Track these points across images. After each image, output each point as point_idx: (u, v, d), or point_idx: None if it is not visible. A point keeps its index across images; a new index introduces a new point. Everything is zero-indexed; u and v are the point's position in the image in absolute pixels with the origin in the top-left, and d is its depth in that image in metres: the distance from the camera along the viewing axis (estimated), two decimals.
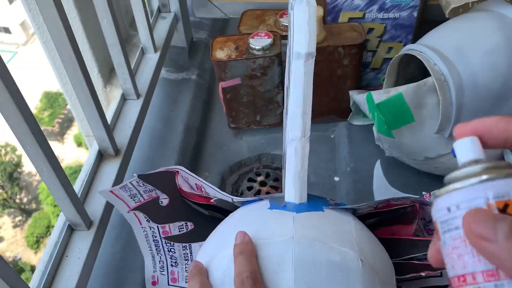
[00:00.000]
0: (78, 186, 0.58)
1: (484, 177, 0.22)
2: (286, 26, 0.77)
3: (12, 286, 0.41)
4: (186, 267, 0.54)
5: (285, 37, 0.75)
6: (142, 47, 0.79)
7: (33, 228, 9.93)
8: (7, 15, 12.35)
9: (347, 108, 0.76)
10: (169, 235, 0.51)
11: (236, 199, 0.45)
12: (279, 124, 0.79)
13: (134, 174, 0.46)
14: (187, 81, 0.88)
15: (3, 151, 10.65)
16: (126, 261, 0.62)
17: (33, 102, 11.61)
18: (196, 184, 0.48)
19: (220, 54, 0.70)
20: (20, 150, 9.65)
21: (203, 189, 0.48)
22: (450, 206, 0.23)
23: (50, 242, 0.53)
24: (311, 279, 0.36)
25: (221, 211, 0.49)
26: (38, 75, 11.24)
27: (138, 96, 0.72)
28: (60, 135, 11.84)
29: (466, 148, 0.25)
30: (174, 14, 0.89)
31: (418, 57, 0.60)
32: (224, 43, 0.72)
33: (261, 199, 0.44)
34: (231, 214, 0.45)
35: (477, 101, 0.58)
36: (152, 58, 0.79)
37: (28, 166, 10.86)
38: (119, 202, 0.48)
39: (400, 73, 0.69)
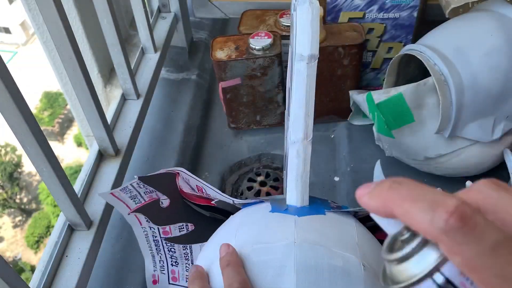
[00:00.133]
0: (78, 186, 0.58)
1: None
2: (286, 26, 0.77)
3: (12, 286, 0.41)
4: (186, 266, 0.54)
5: (285, 37, 0.75)
6: (142, 47, 0.79)
7: (33, 228, 9.92)
8: (7, 15, 12.34)
9: (347, 108, 0.76)
10: (169, 235, 0.51)
11: (237, 201, 0.45)
12: (279, 124, 0.79)
13: (135, 176, 0.46)
14: (187, 81, 0.88)
15: (3, 151, 10.65)
16: (126, 261, 0.62)
17: (33, 102, 11.61)
18: (197, 185, 0.48)
19: (220, 54, 0.70)
20: (20, 150, 9.65)
21: (203, 191, 0.48)
22: None
23: (50, 242, 0.53)
24: (313, 284, 0.35)
25: (222, 213, 0.49)
26: (38, 75, 11.24)
27: (138, 96, 0.72)
28: (60, 135, 11.84)
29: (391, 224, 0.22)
30: (174, 14, 0.89)
31: (418, 57, 0.60)
32: (224, 43, 0.72)
33: (262, 201, 0.44)
34: (232, 217, 0.45)
35: (477, 101, 0.58)
36: (152, 58, 0.79)
37: (28, 166, 10.86)
38: (120, 203, 0.48)
39: (400, 73, 0.69)
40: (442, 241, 0.18)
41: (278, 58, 0.69)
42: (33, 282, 0.50)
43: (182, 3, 0.90)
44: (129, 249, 0.63)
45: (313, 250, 0.37)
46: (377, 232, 0.45)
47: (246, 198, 0.46)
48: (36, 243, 9.83)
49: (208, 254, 0.43)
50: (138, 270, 0.60)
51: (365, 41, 0.73)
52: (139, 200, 0.48)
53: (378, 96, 0.62)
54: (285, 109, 0.77)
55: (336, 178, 0.72)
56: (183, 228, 0.51)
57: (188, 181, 0.49)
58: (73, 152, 11.32)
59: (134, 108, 0.70)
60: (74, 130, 11.71)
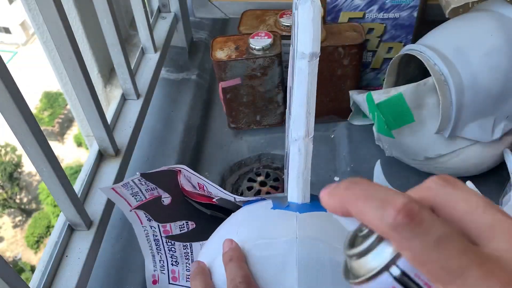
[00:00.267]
0: (78, 186, 0.58)
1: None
2: (286, 26, 0.77)
3: (12, 286, 0.41)
4: (187, 266, 0.54)
5: (285, 37, 0.75)
6: (142, 47, 0.79)
7: (33, 228, 9.93)
8: (7, 15, 12.34)
9: (347, 108, 0.76)
10: (170, 234, 0.51)
11: (239, 198, 0.45)
12: (279, 124, 0.79)
13: (137, 173, 0.46)
14: (187, 81, 0.88)
15: (3, 151, 10.65)
16: (126, 261, 0.62)
17: (33, 102, 11.61)
18: (198, 183, 0.48)
19: (220, 54, 0.70)
20: (20, 150, 9.66)
21: (205, 188, 0.48)
22: None
23: (50, 242, 0.53)
24: (315, 279, 0.36)
25: (223, 211, 0.49)
26: (38, 75, 11.24)
27: (138, 96, 0.72)
28: (60, 135, 11.84)
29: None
30: (174, 14, 0.89)
31: (418, 57, 0.60)
32: (224, 43, 0.72)
33: (264, 199, 0.44)
34: (233, 214, 0.45)
35: (477, 101, 0.58)
36: (152, 58, 0.79)
37: (28, 166, 10.86)
38: (121, 200, 0.48)
39: (400, 73, 0.69)
40: (392, 237, 0.19)
41: (278, 58, 0.69)
42: (33, 282, 0.50)
43: (182, 3, 0.90)
44: (129, 249, 0.63)
45: (314, 246, 0.37)
46: None
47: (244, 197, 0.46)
48: (36, 243, 9.83)
49: (210, 250, 0.43)
50: (138, 270, 0.60)
51: (365, 41, 0.73)
52: (140, 197, 0.48)
53: (378, 96, 0.62)
54: (285, 109, 0.77)
55: (336, 178, 0.72)
56: (184, 226, 0.51)
57: (189, 179, 0.49)
58: (73, 152, 11.32)
59: (134, 108, 0.70)
60: (74, 130, 11.71)
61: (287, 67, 0.78)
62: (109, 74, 0.85)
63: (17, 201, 10.93)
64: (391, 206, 0.19)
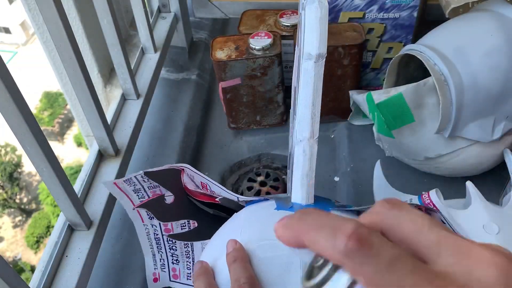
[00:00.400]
0: (78, 186, 0.58)
1: None
2: (286, 26, 0.77)
3: (12, 286, 0.41)
4: (187, 264, 0.54)
5: (285, 37, 0.75)
6: (142, 47, 0.79)
7: (33, 228, 9.93)
8: (7, 15, 12.34)
9: (347, 108, 0.76)
10: (171, 232, 0.51)
11: (242, 198, 0.45)
12: (279, 124, 0.79)
13: (140, 171, 0.46)
14: (187, 81, 0.88)
15: (3, 151, 10.65)
16: (126, 261, 0.62)
17: (33, 102, 11.62)
18: (201, 182, 0.48)
19: (220, 54, 0.70)
20: (20, 150, 9.66)
21: (208, 188, 0.48)
22: None
23: (50, 242, 0.53)
24: None
25: (226, 210, 0.49)
26: (38, 75, 11.24)
27: (138, 96, 0.72)
28: (60, 135, 11.84)
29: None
30: (174, 14, 0.89)
31: (418, 57, 0.60)
32: (224, 43, 0.72)
33: (267, 199, 0.44)
34: (236, 214, 0.45)
35: (477, 101, 0.58)
36: (152, 58, 0.79)
37: (28, 166, 10.86)
38: (123, 196, 0.48)
39: (400, 73, 0.69)
40: (345, 264, 0.20)
41: (278, 58, 0.69)
42: (33, 282, 0.50)
43: (182, 3, 0.90)
44: (129, 249, 0.63)
45: None
46: None
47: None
48: (36, 243, 9.83)
49: (213, 250, 0.43)
50: (138, 270, 0.60)
51: (365, 41, 0.73)
52: (143, 194, 0.48)
53: (378, 96, 0.62)
54: (285, 109, 0.77)
55: (336, 178, 0.72)
56: (185, 225, 0.51)
57: (192, 178, 0.49)
58: (73, 152, 11.32)
59: (134, 108, 0.70)
60: (74, 130, 11.71)
61: (287, 67, 0.78)
62: (109, 74, 0.85)
63: (17, 201, 10.93)
64: (341, 233, 0.20)
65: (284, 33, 0.76)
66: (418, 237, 0.21)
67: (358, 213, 0.44)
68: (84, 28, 0.75)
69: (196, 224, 0.51)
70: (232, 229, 0.43)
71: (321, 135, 0.78)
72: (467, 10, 0.67)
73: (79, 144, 11.26)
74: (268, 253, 0.38)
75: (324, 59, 0.36)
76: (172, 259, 0.53)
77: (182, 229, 0.51)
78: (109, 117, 0.66)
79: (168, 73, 0.90)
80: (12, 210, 10.78)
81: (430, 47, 0.59)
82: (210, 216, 0.51)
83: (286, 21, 0.77)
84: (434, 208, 0.52)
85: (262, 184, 0.73)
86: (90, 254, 0.53)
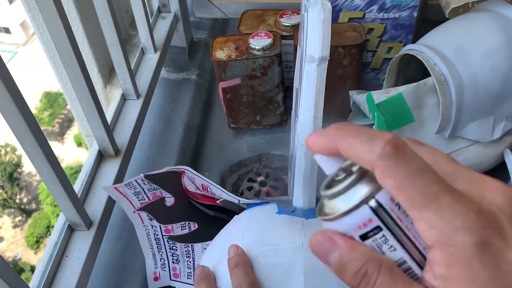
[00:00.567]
0: (78, 186, 0.58)
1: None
2: (286, 26, 0.77)
3: (12, 286, 0.41)
4: (187, 263, 0.54)
5: (285, 37, 0.75)
6: (142, 47, 0.79)
7: (33, 228, 9.93)
8: (7, 15, 12.34)
9: (347, 108, 0.76)
10: (171, 233, 0.51)
11: (243, 200, 0.45)
12: (279, 124, 0.79)
13: (141, 174, 0.46)
14: (187, 81, 0.88)
15: (3, 151, 10.65)
16: (126, 261, 0.62)
17: (33, 102, 11.62)
18: (202, 184, 0.48)
19: (220, 54, 0.70)
20: (20, 150, 9.66)
21: (209, 190, 0.47)
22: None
23: (50, 242, 0.53)
24: (321, 287, 0.35)
25: (226, 212, 0.49)
26: (38, 75, 11.24)
27: (138, 96, 0.72)
28: (60, 135, 11.85)
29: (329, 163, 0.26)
30: (174, 14, 0.89)
31: (418, 57, 0.60)
32: (224, 43, 0.72)
33: (268, 202, 0.44)
34: (237, 218, 0.45)
35: (477, 101, 0.58)
36: (152, 58, 0.79)
37: (28, 166, 10.87)
38: (123, 199, 0.48)
39: (400, 73, 0.69)
40: (379, 166, 0.22)
41: (278, 58, 0.69)
42: (33, 282, 0.50)
43: (182, 3, 0.90)
44: (129, 249, 0.63)
45: None
46: None
47: (246, 198, 0.46)
48: (36, 243, 9.83)
49: (213, 255, 0.42)
50: (138, 270, 0.60)
51: (365, 41, 0.73)
52: (143, 197, 0.48)
53: (378, 96, 0.62)
54: (285, 109, 0.77)
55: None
56: (186, 226, 0.51)
57: (193, 180, 0.48)
58: (73, 152, 11.32)
59: (134, 108, 0.70)
60: (74, 130, 11.72)
61: (287, 67, 0.79)
62: (109, 74, 0.85)
63: (17, 201, 10.93)
64: (379, 138, 0.22)
65: (284, 33, 0.76)
66: (436, 167, 0.22)
67: None
68: (84, 28, 0.75)
69: (196, 226, 0.51)
70: (233, 233, 0.43)
71: None
72: (467, 10, 0.67)
73: (79, 144, 11.27)
74: (270, 259, 0.37)
75: (327, 62, 0.36)
76: (173, 259, 0.53)
77: (182, 229, 0.51)
78: (109, 117, 0.66)
79: (168, 73, 0.90)
80: (12, 210, 10.78)
81: (430, 47, 0.59)
82: (210, 218, 0.51)
83: (286, 21, 0.77)
84: None
85: (262, 184, 0.73)
86: (90, 254, 0.53)
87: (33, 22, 0.75)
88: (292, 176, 0.43)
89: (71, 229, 0.54)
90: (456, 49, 0.58)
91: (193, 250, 0.53)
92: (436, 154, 0.24)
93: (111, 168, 0.61)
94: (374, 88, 0.80)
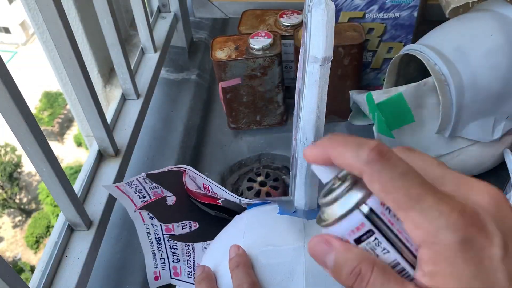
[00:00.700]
0: (78, 186, 0.58)
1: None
2: (286, 26, 0.77)
3: (12, 286, 0.41)
4: (188, 263, 0.54)
5: (285, 37, 0.75)
6: (142, 47, 0.79)
7: (32, 228, 9.93)
8: (7, 15, 12.34)
9: (347, 108, 0.76)
10: (172, 232, 0.51)
11: (244, 200, 0.45)
12: (279, 124, 0.79)
13: (142, 173, 0.46)
14: (187, 81, 0.88)
15: (2, 151, 10.65)
16: (126, 261, 0.62)
17: (33, 102, 11.62)
18: (203, 183, 0.48)
19: (220, 54, 0.70)
20: (20, 150, 9.65)
21: (210, 189, 0.47)
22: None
23: (50, 242, 0.53)
24: None
25: (227, 212, 0.49)
26: (38, 75, 11.24)
27: (138, 96, 0.72)
28: (60, 135, 11.84)
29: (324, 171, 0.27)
30: (174, 14, 0.89)
31: (418, 57, 0.60)
32: (224, 43, 0.72)
33: (269, 203, 0.44)
34: (238, 218, 0.45)
35: (477, 101, 0.58)
36: (152, 58, 0.79)
37: (27, 166, 10.86)
38: (124, 197, 0.48)
39: (400, 73, 0.69)
40: (365, 171, 0.23)
41: (278, 58, 0.69)
42: (33, 282, 0.50)
43: (182, 3, 0.90)
44: (129, 249, 0.63)
45: None
46: None
47: (246, 198, 0.46)
48: (35, 243, 9.83)
49: (214, 255, 0.42)
50: (138, 270, 0.60)
51: (365, 41, 0.73)
52: (144, 195, 0.48)
53: (378, 96, 0.62)
54: (285, 109, 0.77)
55: None
56: (186, 226, 0.51)
57: (194, 179, 0.48)
58: (73, 152, 11.32)
59: (134, 108, 0.70)
60: (74, 130, 11.72)
61: (287, 67, 0.78)
62: (109, 74, 0.85)
63: (17, 201, 10.93)
64: (366, 146, 0.23)
65: (284, 33, 0.76)
66: (427, 172, 0.24)
67: None
68: (84, 28, 0.75)
69: (197, 225, 0.51)
70: (235, 234, 0.43)
71: None
72: (467, 10, 0.67)
73: (79, 144, 11.26)
74: (271, 259, 0.37)
75: (330, 63, 0.36)
76: (173, 258, 0.53)
77: (183, 229, 0.51)
78: (109, 117, 0.66)
79: (168, 73, 0.90)
80: (12, 210, 10.78)
81: (430, 47, 0.59)
82: (211, 218, 0.51)
83: (286, 21, 0.77)
84: None
85: (262, 184, 0.73)
86: (90, 254, 0.53)
87: (33, 22, 0.75)
88: (293, 176, 0.43)
89: (71, 229, 0.54)
90: (456, 49, 0.58)
91: (193, 249, 0.53)
92: (426, 159, 0.25)
93: (111, 168, 0.61)
94: (374, 88, 0.80)
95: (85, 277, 0.52)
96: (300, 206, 0.41)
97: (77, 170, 9.38)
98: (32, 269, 9.04)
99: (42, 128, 0.46)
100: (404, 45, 0.75)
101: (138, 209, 0.48)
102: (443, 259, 0.22)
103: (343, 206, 0.24)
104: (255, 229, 0.41)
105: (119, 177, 0.62)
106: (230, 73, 0.70)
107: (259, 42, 0.69)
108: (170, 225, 0.51)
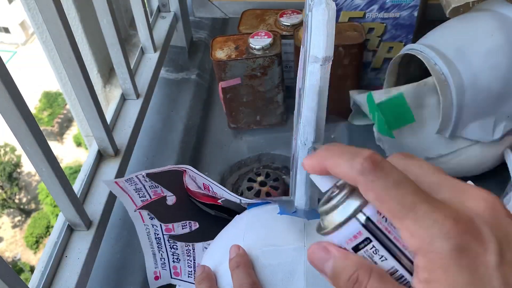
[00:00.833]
0: (77, 186, 0.58)
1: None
2: (286, 25, 0.77)
3: (11, 286, 0.41)
4: (188, 262, 0.54)
5: (285, 37, 0.75)
6: (141, 47, 0.79)
7: (32, 228, 9.92)
8: (7, 15, 12.34)
9: (347, 108, 0.76)
10: (172, 232, 0.51)
11: (244, 200, 0.45)
12: (279, 124, 0.78)
13: (143, 172, 0.46)
14: (187, 81, 0.88)
15: (2, 151, 10.64)
16: (126, 261, 0.62)
17: (33, 102, 11.61)
18: (203, 183, 0.48)
19: (220, 54, 0.70)
20: (20, 150, 9.66)
21: (210, 189, 0.47)
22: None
23: (50, 242, 0.53)
24: None
25: (227, 212, 0.49)
26: (38, 75, 11.23)
27: (138, 96, 0.72)
28: (59, 135, 11.84)
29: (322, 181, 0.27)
30: (174, 14, 0.89)
31: (418, 56, 0.60)
32: (224, 43, 0.72)
33: (269, 203, 0.44)
34: (238, 217, 0.45)
35: (478, 101, 0.58)
36: (152, 58, 0.79)
37: (27, 166, 10.86)
38: (124, 195, 0.48)
39: (400, 73, 0.68)
40: (359, 181, 0.23)
41: (278, 58, 0.69)
42: (33, 282, 0.50)
43: (182, 2, 0.89)
44: (128, 249, 0.63)
45: None
46: None
47: (246, 198, 0.46)
48: (35, 243, 9.83)
49: (215, 255, 0.42)
50: (138, 270, 0.60)
51: (366, 40, 0.73)
52: (144, 194, 0.48)
53: (379, 96, 0.62)
54: (285, 109, 0.77)
55: None
56: (186, 225, 0.51)
57: (194, 179, 0.48)
58: (72, 152, 11.32)
59: (133, 108, 0.70)
60: (73, 130, 11.71)
61: (287, 67, 0.78)
62: (108, 74, 0.85)
63: (17, 201, 10.92)
64: (360, 156, 0.23)
65: (284, 33, 0.76)
66: (424, 178, 0.24)
67: None
68: (83, 28, 0.75)
69: (197, 225, 0.51)
70: (235, 234, 0.42)
71: None
72: (467, 10, 0.67)
73: (79, 144, 11.26)
74: (272, 259, 0.37)
75: (331, 62, 0.36)
76: (173, 258, 0.53)
77: (183, 228, 0.51)
78: (108, 117, 0.65)
79: (167, 73, 0.89)
80: (12, 210, 10.77)
81: (431, 47, 0.59)
82: (211, 217, 0.51)
83: (286, 20, 0.77)
84: None
85: (262, 184, 0.73)
86: (90, 254, 0.53)
87: (32, 22, 0.75)
88: (293, 176, 0.43)
89: (70, 229, 0.54)
90: (456, 49, 0.58)
91: (193, 249, 0.53)
92: (423, 166, 0.25)
93: (110, 168, 0.61)
94: (374, 88, 0.80)
95: (85, 277, 0.52)
96: (301, 206, 0.41)
97: (76, 170, 9.38)
98: (32, 269, 9.04)
99: (41, 128, 0.46)
100: (405, 45, 0.75)
101: (138, 209, 0.48)
102: (438, 266, 0.22)
103: (341, 214, 0.25)
104: (256, 229, 0.41)
105: (119, 177, 0.61)
106: (230, 73, 0.70)
107: (259, 42, 0.69)
108: (170, 225, 0.50)
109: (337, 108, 0.77)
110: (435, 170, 0.25)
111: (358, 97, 0.70)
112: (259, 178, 0.74)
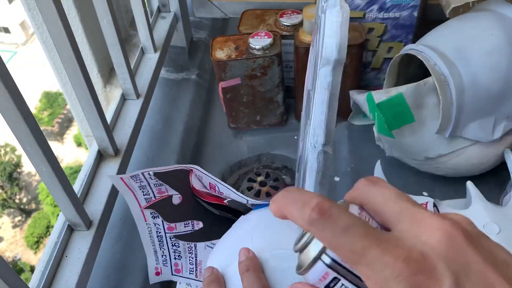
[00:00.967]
0: (77, 186, 0.58)
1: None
2: (286, 25, 0.77)
3: (12, 286, 0.41)
4: (190, 259, 0.54)
5: (285, 37, 0.75)
6: (142, 47, 0.79)
7: (32, 228, 9.92)
8: (7, 15, 12.34)
9: (347, 108, 0.76)
10: (174, 231, 0.51)
11: (251, 201, 0.44)
12: (279, 124, 0.79)
13: (149, 171, 0.46)
14: (187, 81, 0.88)
15: (2, 151, 10.64)
16: (126, 261, 0.62)
17: (33, 102, 11.61)
18: (210, 183, 0.48)
19: (220, 54, 0.70)
20: (20, 150, 9.65)
21: (217, 188, 0.47)
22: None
23: (50, 242, 0.53)
24: None
25: (232, 212, 0.49)
26: (38, 75, 11.23)
27: (138, 96, 0.72)
28: (59, 135, 11.84)
29: None
30: (174, 14, 0.89)
31: (418, 56, 0.60)
32: (224, 43, 0.72)
33: None
34: (245, 218, 0.45)
35: (478, 101, 0.58)
36: (152, 58, 0.79)
37: (27, 166, 10.86)
38: (129, 192, 0.47)
39: (400, 73, 0.68)
40: (311, 230, 0.24)
41: (278, 58, 0.69)
42: (33, 282, 0.50)
43: (182, 2, 0.89)
44: (129, 249, 0.63)
45: None
46: None
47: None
48: (35, 243, 9.83)
49: (222, 257, 0.42)
50: (138, 270, 0.60)
51: (366, 40, 0.73)
52: (148, 191, 0.48)
53: (379, 96, 0.62)
54: (285, 109, 0.77)
55: (337, 178, 0.72)
56: (189, 224, 0.51)
57: (201, 178, 0.48)
58: (72, 152, 11.32)
59: (133, 108, 0.70)
60: (73, 130, 11.71)
61: (287, 67, 0.78)
62: (108, 74, 0.85)
63: (17, 201, 10.92)
64: (307, 206, 0.23)
65: (284, 33, 0.76)
66: (385, 208, 0.24)
67: None
68: (84, 28, 0.75)
69: (200, 225, 0.51)
70: (242, 235, 0.42)
71: None
72: (467, 10, 0.67)
73: (79, 144, 11.26)
74: (282, 263, 0.37)
75: (343, 65, 0.35)
76: (175, 255, 0.53)
77: (185, 227, 0.51)
78: (108, 117, 0.66)
79: (168, 73, 0.90)
80: (12, 210, 10.77)
81: (431, 47, 0.59)
82: (215, 217, 0.51)
83: (286, 20, 0.77)
84: None
85: (262, 184, 0.73)
86: (90, 254, 0.53)
87: (32, 22, 0.75)
88: (301, 178, 0.43)
89: (70, 229, 0.54)
90: (456, 49, 0.58)
91: (195, 247, 0.53)
92: (385, 193, 0.25)
93: (110, 168, 0.61)
94: (375, 88, 0.80)
95: (85, 277, 0.52)
96: None
97: (76, 170, 9.38)
98: (32, 269, 9.04)
99: (42, 128, 0.46)
100: (404, 45, 0.75)
101: (143, 209, 0.48)
102: None
103: (308, 256, 0.25)
104: (264, 232, 0.41)
105: None
106: (230, 73, 0.70)
107: (259, 42, 0.69)
108: (172, 224, 0.50)
109: (337, 108, 0.77)
110: (397, 197, 0.25)
111: (358, 97, 0.70)
112: (259, 178, 0.74)
